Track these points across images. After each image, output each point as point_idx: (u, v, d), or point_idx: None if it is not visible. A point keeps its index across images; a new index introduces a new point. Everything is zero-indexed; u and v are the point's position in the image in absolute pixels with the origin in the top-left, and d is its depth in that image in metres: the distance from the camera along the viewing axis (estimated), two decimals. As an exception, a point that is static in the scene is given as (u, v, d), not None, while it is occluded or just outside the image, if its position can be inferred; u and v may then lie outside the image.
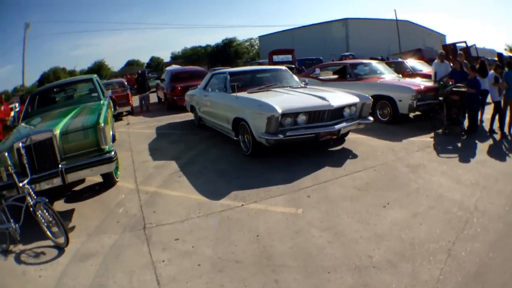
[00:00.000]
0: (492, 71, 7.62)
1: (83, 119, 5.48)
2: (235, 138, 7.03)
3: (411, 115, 9.43)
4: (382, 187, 4.98)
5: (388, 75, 9.97)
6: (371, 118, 6.87)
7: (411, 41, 22.10)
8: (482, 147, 6.67)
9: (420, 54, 14.83)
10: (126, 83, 16.32)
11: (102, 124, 5.01)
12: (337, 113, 6.10)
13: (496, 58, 16.01)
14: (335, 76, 11.11)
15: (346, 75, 10.22)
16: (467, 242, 3.51)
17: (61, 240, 3.89)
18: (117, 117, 12.94)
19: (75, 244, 3.94)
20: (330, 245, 3.60)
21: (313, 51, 32.26)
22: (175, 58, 64.62)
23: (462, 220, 3.94)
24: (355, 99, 6.58)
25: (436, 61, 9.45)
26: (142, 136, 9.33)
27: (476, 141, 7.07)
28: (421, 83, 8.68)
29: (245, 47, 57.53)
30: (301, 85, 7.76)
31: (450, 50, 12.93)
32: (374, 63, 10.99)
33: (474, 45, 14.01)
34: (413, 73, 11.96)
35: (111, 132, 5.85)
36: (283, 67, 8.76)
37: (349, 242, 3.67)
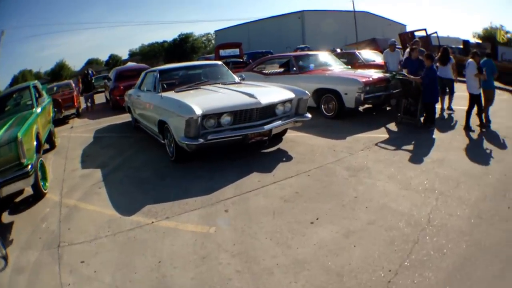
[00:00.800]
0: (470, 60, 6.88)
1: (10, 132, 5.13)
2: (162, 142, 6.48)
3: (361, 108, 8.94)
4: (313, 197, 4.31)
5: (336, 67, 9.43)
6: (308, 115, 6.28)
7: (370, 32, 21.96)
8: (442, 144, 6.09)
9: (375, 44, 14.41)
10: (73, 84, 15.87)
11: (20, 137, 4.70)
12: (268, 111, 5.58)
13: (461, 46, 15.68)
14: (280, 70, 10.45)
15: (290, 68, 9.57)
16: (415, 270, 2.81)
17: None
18: (64, 120, 12.60)
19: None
20: (238, 275, 2.98)
21: (269, 45, 32.10)
22: (132, 55, 62.54)
23: (410, 239, 3.25)
24: (290, 95, 5.99)
25: (386, 50, 8.97)
26: (80, 140, 8.87)
27: (434, 137, 6.57)
28: (370, 74, 8.16)
29: (202, 42, 56.45)
30: (236, 81, 7.25)
31: (408, 39, 12.55)
32: (321, 54, 10.42)
33: (436, 32, 13.65)
34: (365, 64, 11.53)
35: (34, 143, 5.49)
36: (219, 62, 8.40)
37: (262, 272, 2.99)
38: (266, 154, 6.16)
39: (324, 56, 10.25)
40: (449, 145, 6.05)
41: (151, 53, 58.72)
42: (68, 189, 5.53)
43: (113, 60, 60.15)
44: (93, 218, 4.38)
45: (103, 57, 66.90)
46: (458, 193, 4.19)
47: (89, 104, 15.27)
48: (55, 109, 10.50)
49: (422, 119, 7.28)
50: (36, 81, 8.46)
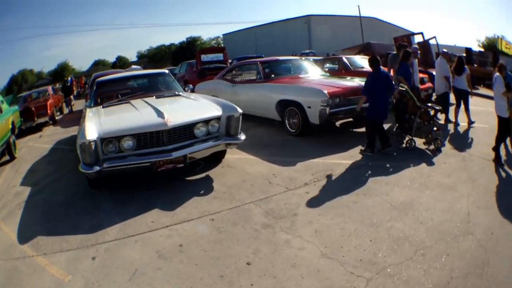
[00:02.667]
0: (497, 74, 5.38)
1: None
2: None
3: (338, 123, 7.47)
4: (194, 257, 3.17)
5: (310, 75, 7.96)
6: (241, 138, 5.05)
7: (377, 38, 20.48)
8: (421, 176, 4.69)
9: (369, 49, 12.84)
10: (51, 91, 15.43)
11: None
12: (182, 133, 4.56)
13: (464, 54, 14.35)
14: (249, 78, 9.06)
15: (256, 76, 8.17)
16: None
17: None
18: (38, 128, 12.09)
19: None
20: None
21: (276, 49, 31.27)
22: (141, 57, 62.18)
23: None
24: (214, 113, 4.88)
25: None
26: (39, 152, 8.23)
27: (432, 162, 5.21)
28: (341, 84, 6.68)
29: (210, 45, 55.58)
30: (176, 93, 6.26)
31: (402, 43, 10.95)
32: (296, 60, 8.98)
33: (434, 37, 12.06)
34: (353, 71, 10.01)
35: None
36: (165, 71, 7.36)
37: None
38: (187, 183, 4.93)
39: (299, 62, 8.81)
40: (428, 178, 4.56)
41: (158, 56, 58.23)
42: (0, 206, 5.00)
43: (120, 62, 59.93)
44: (2, 240, 3.94)
45: (111, 59, 66.89)
46: (409, 272, 2.74)
47: (67, 107, 16.05)
48: (22, 119, 10.28)
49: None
50: None
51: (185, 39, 59.04)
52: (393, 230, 3.34)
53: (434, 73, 8.66)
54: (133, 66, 40.63)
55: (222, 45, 55.04)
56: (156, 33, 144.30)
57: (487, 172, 4.76)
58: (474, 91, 7.32)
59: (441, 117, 7.13)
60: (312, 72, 8.17)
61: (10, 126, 8.09)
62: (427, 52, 10.84)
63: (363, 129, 6.78)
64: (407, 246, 3.08)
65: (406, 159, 5.29)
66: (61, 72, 55.22)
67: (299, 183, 4.58)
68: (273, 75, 7.96)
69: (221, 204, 4.18)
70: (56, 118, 13.80)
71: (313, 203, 4.01)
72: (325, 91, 6.08)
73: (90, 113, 5.18)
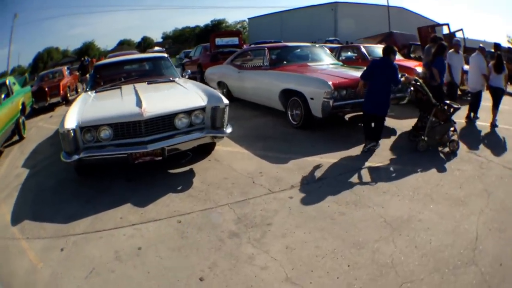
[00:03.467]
0: None
1: None
2: None
3: (347, 116, 6.87)
4: (146, 264, 2.87)
5: (320, 63, 7.32)
6: (226, 131, 4.60)
7: (404, 28, 19.27)
8: (432, 185, 4.08)
9: (392, 38, 11.93)
10: (66, 72, 15.49)
11: None
12: (161, 124, 4.24)
13: (492, 50, 13.31)
14: (256, 64, 8.51)
15: (263, 62, 7.60)
16: None
17: None
18: (52, 108, 12.05)
19: None
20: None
21: (301, 35, 30.17)
22: (166, 38, 62.06)
23: None
24: (197, 103, 4.48)
25: (451, 51, 6.68)
26: (45, 133, 8.13)
27: (445, 167, 4.60)
28: (348, 75, 6.02)
29: (236, 28, 54.77)
30: (171, 79, 5.94)
31: (427, 34, 10.03)
32: (307, 47, 8.31)
33: (461, 29, 11.07)
34: (369, 61, 9.21)
35: None
36: (164, 55, 6.96)
37: None
38: (168, 177, 4.56)
39: (310, 49, 8.13)
40: (435, 188, 3.94)
41: (183, 37, 57.89)
42: (1, 187, 4.93)
43: (145, 42, 60.03)
44: (1, 219, 3.86)
45: (136, 39, 66.99)
46: None
47: (85, 87, 15.94)
48: (33, 99, 10.40)
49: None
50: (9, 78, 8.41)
51: (209, 22, 58.51)
52: (380, 254, 2.79)
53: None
54: (156, 48, 40.61)
55: (248, 29, 54.21)
56: (182, 15, 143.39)
57: (506, 184, 4.06)
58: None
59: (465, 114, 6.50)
60: (323, 61, 7.52)
61: (20, 107, 8.16)
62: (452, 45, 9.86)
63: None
64: (391, 277, 2.53)
65: (415, 162, 4.66)
66: (85, 51, 55.90)
67: (285, 185, 4.06)
68: (280, 62, 7.38)
69: (194, 205, 3.78)
70: (70, 98, 13.79)
71: (293, 211, 3.50)
72: (329, 82, 5.47)
73: (80, 99, 5.09)
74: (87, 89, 5.81)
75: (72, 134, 3.93)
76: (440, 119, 5.08)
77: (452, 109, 5.10)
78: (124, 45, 57.96)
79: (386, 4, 30.25)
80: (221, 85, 9.36)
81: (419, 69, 7.84)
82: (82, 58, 18.94)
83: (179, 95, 4.86)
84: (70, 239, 3.30)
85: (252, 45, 15.05)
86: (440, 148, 5.12)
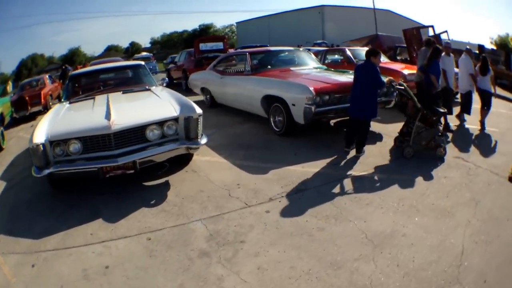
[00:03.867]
0: None
1: None
2: None
3: (332, 122, 6.69)
4: (117, 283, 2.73)
5: (303, 68, 7.13)
6: (201, 141, 4.38)
7: (391, 31, 19.32)
8: (416, 195, 3.91)
9: (377, 41, 11.83)
10: (47, 80, 15.02)
11: None
12: (132, 137, 4.05)
13: (477, 51, 13.44)
14: (239, 69, 8.32)
15: (244, 67, 7.40)
16: None
17: None
18: (33, 117, 11.51)
19: None
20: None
21: (289, 38, 30.27)
22: (154, 44, 61.61)
23: None
24: (170, 113, 4.28)
25: (443, 54, 6.21)
26: (24, 143, 7.40)
27: (432, 175, 4.39)
28: (331, 79, 5.84)
29: (224, 33, 54.65)
30: (147, 87, 5.71)
31: (413, 37, 9.95)
32: (291, 51, 8.13)
33: (446, 31, 11.00)
34: (355, 64, 9.07)
35: None
36: (141, 63, 6.72)
37: None
38: (142, 190, 4.34)
39: (293, 53, 7.95)
40: (421, 198, 3.75)
41: (171, 42, 57.53)
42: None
43: (133, 48, 59.50)
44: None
45: (124, 44, 66.17)
46: None
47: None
48: (13, 109, 10.26)
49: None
50: None
51: (197, 27, 58.31)
52: (358, 274, 2.57)
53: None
54: (143, 53, 40.17)
55: (236, 33, 54.06)
56: (170, 20, 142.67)
57: (493, 191, 3.91)
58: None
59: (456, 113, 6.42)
60: (307, 65, 7.34)
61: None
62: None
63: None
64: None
65: (401, 170, 4.49)
66: (71, 57, 55.11)
67: (263, 197, 3.84)
68: (262, 68, 7.18)
69: (166, 220, 3.57)
70: (52, 106, 13.47)
71: (269, 227, 3.28)
72: (311, 87, 5.28)
73: (52, 110, 5.03)
74: (62, 99, 5.65)
75: (42, 149, 3.80)
76: (426, 124, 4.92)
77: (438, 114, 4.94)
78: (111, 50, 57.29)
79: (372, 7, 30.26)
80: (204, 91, 9.15)
81: (406, 72, 7.73)
82: (63, 66, 18.46)
83: (151, 106, 4.69)
84: (41, 255, 3.17)
85: (238, 50, 14.82)
86: (427, 154, 4.94)
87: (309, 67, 7.20)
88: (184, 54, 14.56)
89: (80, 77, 6.47)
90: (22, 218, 3.93)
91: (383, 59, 9.01)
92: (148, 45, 61.67)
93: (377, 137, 5.77)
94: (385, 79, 5.13)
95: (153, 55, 32.82)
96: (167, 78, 6.70)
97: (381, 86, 4.93)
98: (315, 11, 36.85)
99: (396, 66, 8.50)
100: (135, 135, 4.02)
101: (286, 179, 4.27)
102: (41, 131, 3.97)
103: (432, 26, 10.58)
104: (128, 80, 6.41)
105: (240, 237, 3.13)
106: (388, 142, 5.51)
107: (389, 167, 4.59)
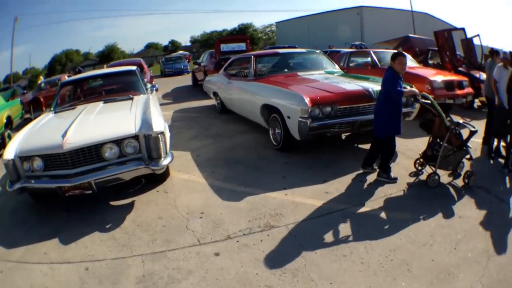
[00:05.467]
0: None
1: None
2: None
3: (344, 136, 5.89)
4: None
5: (315, 72, 6.35)
6: (162, 163, 3.86)
7: (429, 34, 17.92)
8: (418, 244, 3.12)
9: (408, 43, 10.69)
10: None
11: None
12: (88, 156, 3.74)
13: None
14: (245, 73, 7.69)
15: (249, 72, 6.77)
16: None
17: None
18: None
19: None
20: None
21: (328, 39, 29.30)
22: (194, 42, 62.48)
23: None
24: (127, 131, 3.84)
25: (499, 65, 5.06)
26: None
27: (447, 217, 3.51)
28: (336, 88, 5.01)
29: (265, 33, 54.18)
30: (131, 96, 5.31)
31: (444, 39, 8.78)
32: (302, 53, 7.35)
33: (478, 35, 9.66)
34: (379, 68, 8.14)
35: None
36: (133, 68, 6.33)
37: None
38: (106, 210, 3.96)
39: (304, 56, 7.18)
40: (423, 250, 2.91)
41: (211, 42, 58.38)
42: None
43: (173, 46, 60.62)
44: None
45: (164, 42, 67.45)
46: None
47: None
48: (23, 111, 10.21)
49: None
50: None
51: (236, 26, 58.26)
52: None
53: (479, 76, 7.15)
54: (180, 52, 40.59)
55: (275, 33, 53.37)
56: (211, 19, 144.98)
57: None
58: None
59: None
60: (319, 70, 6.54)
61: (5, 121, 7.92)
62: (470, 52, 8.62)
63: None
64: None
65: (408, 204, 3.61)
66: (108, 54, 56.79)
67: (221, 234, 3.19)
68: (267, 72, 6.51)
69: (110, 250, 3.16)
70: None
71: (209, 276, 2.64)
72: (306, 98, 4.53)
73: (34, 122, 4.85)
74: (52, 108, 5.46)
75: (12, 164, 3.74)
76: (455, 145, 3.98)
77: (468, 133, 4.01)
78: (151, 48, 58.74)
79: (410, 9, 29.04)
80: (216, 95, 8.63)
81: (434, 78, 6.70)
82: (77, 68, 18.34)
83: (115, 121, 4.27)
84: (7, 264, 3.16)
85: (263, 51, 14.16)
86: (450, 180, 4.05)
87: (320, 72, 6.39)
88: (206, 55, 14.15)
89: (70, 85, 6.21)
90: (2, 226, 3.92)
91: (412, 63, 8.01)
92: (188, 44, 62.65)
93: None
94: (409, 89, 4.23)
95: (189, 54, 32.98)
96: (156, 85, 6.18)
97: (395, 96, 3.90)
98: (353, 12, 35.70)
99: (424, 71, 7.41)
100: (90, 154, 3.70)
101: (259, 210, 3.57)
102: (13, 145, 3.88)
103: (463, 29, 9.34)
104: (118, 88, 6.10)
105: (170, 285, 2.52)
106: (403, 164, 4.62)
107: (396, 200, 3.73)
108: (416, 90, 4.09)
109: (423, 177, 4.17)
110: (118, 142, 3.73)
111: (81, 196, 3.77)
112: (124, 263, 2.93)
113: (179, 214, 3.63)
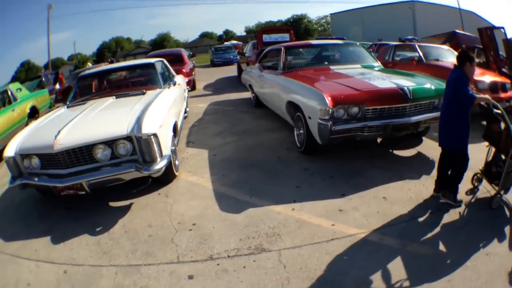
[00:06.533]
0: None
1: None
2: None
3: (379, 139, 5.22)
4: None
5: (350, 66, 5.69)
6: (154, 167, 3.58)
7: (474, 33, 16.23)
8: None
9: (455, 39, 9.44)
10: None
11: None
12: (80, 156, 3.60)
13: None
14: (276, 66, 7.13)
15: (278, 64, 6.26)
16: None
17: None
18: None
19: None
20: None
21: (382, 32, 27.89)
22: (248, 32, 62.25)
23: None
24: (118, 132, 3.60)
25: None
26: None
27: None
28: (366, 85, 4.31)
29: (320, 24, 52.51)
30: (144, 91, 5.10)
31: (487, 37, 7.57)
32: (339, 45, 6.65)
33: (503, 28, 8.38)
34: (423, 64, 7.21)
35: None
36: (151, 61, 5.97)
37: None
38: (102, 211, 3.81)
39: (341, 48, 6.48)
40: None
41: (266, 32, 57.72)
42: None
43: (227, 35, 60.71)
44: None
45: (218, 31, 67.56)
46: None
47: None
48: (52, 101, 10.24)
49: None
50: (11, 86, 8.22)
51: (290, 17, 57.10)
52: None
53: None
54: (233, 42, 40.52)
55: (330, 25, 51.63)
56: (266, 9, 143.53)
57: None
58: None
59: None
60: (355, 63, 5.84)
61: (28, 111, 8.10)
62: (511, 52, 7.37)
63: (410, 152, 4.47)
64: None
65: (470, 233, 2.91)
66: (160, 42, 57.71)
67: (204, 252, 2.81)
68: (297, 65, 5.95)
69: (91, 256, 3.02)
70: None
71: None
72: (327, 97, 3.95)
73: (46, 115, 4.84)
74: (68, 102, 5.39)
75: (12, 161, 3.74)
76: None
77: None
78: (205, 37, 59.27)
79: (457, 6, 27.76)
80: (251, 88, 8.21)
81: (481, 79, 5.78)
82: (110, 59, 18.47)
83: (110, 120, 4.05)
84: (2, 257, 3.21)
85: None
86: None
87: (356, 66, 5.67)
88: (249, 46, 13.74)
89: (88, 78, 6.09)
90: (7, 219, 3.97)
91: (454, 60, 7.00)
92: (243, 34, 62.52)
93: (429, 166, 4.15)
94: (481, 95, 3.45)
95: (242, 44, 32.68)
96: (175, 78, 5.88)
97: (466, 101, 3.13)
98: (405, 6, 34.35)
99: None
100: (82, 155, 3.56)
101: (256, 227, 3.13)
102: (15, 142, 3.88)
103: (503, 28, 8.05)
104: (135, 82, 5.96)
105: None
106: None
107: (426, 226, 3.06)
108: (489, 98, 3.25)
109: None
110: (110, 143, 3.52)
111: (76, 196, 3.65)
112: (99, 272, 2.76)
113: (170, 224, 3.32)
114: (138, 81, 5.83)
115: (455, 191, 3.31)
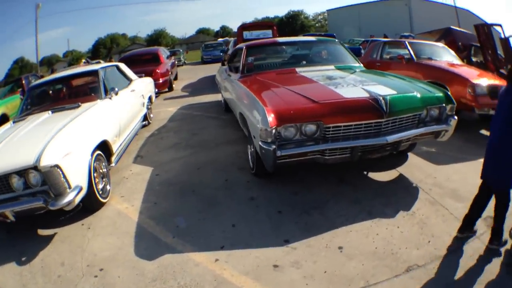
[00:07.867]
0: None
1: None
2: None
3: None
4: None
5: (321, 68, 4.86)
6: (59, 202, 3.00)
7: (470, 30, 15.69)
8: None
9: (450, 36, 8.71)
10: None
11: None
12: (1, 184, 3.12)
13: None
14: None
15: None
16: None
17: None
18: None
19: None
20: None
21: (378, 29, 28.56)
22: (246, 28, 61.56)
23: None
24: (24, 161, 3.05)
25: None
26: None
27: None
28: (328, 95, 3.46)
29: (317, 20, 51.66)
30: (80, 103, 4.53)
31: (484, 34, 6.85)
32: (312, 42, 5.84)
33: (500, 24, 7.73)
34: (414, 63, 6.39)
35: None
36: (96, 68, 5.40)
37: None
38: (35, 239, 3.33)
39: (314, 46, 5.68)
40: None
41: (262, 28, 56.99)
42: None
43: (224, 32, 59.74)
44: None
45: (215, 27, 66.61)
46: None
47: None
48: None
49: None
50: None
51: (287, 13, 56.30)
52: None
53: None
54: (227, 38, 39.65)
55: (327, 21, 50.83)
56: (263, 5, 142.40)
57: None
58: None
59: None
60: (328, 63, 5.02)
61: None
62: (510, 52, 6.65)
63: (390, 175, 3.78)
64: None
65: None
66: (156, 38, 56.76)
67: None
68: (260, 67, 5.14)
69: (14, 286, 2.68)
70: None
71: None
72: (270, 113, 3.12)
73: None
74: (17, 116, 4.88)
75: None
76: None
77: None
78: (202, 33, 58.23)
79: (453, 4, 28.17)
80: (220, 90, 7.39)
81: (478, 81, 5.00)
82: (85, 60, 18.51)
83: (25, 145, 3.47)
84: None
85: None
86: None
87: (329, 67, 4.83)
88: (231, 43, 12.92)
89: (38, 89, 5.45)
90: None
91: (454, 60, 6.25)
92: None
93: (410, 198, 3.34)
94: None
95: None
96: (116, 88, 5.08)
97: None
98: (401, 3, 34.39)
99: (466, 71, 5.53)
100: (1, 184, 3.13)
101: (163, 285, 2.47)
102: None
103: (501, 25, 7.44)
104: (77, 92, 5.40)
105: None
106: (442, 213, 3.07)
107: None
108: None
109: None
110: (22, 172, 3.05)
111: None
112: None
113: (80, 265, 2.78)
114: (79, 92, 5.26)
115: (501, 234, 2.56)
